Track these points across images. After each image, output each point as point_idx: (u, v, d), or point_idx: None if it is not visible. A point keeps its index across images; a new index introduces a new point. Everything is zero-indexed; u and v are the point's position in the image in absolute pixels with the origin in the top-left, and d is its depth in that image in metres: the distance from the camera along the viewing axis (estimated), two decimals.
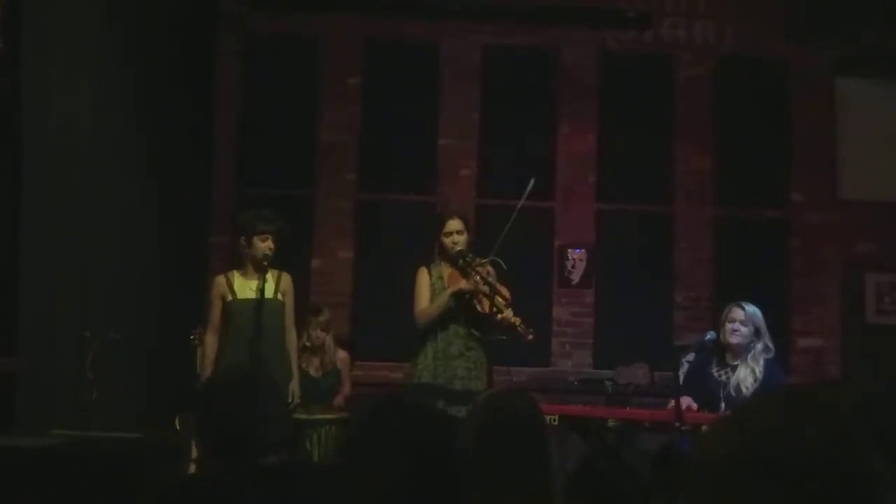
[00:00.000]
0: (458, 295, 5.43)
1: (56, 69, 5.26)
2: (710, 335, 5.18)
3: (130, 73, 6.18)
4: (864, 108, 8.42)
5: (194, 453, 5.61)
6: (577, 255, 8.26)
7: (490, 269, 5.53)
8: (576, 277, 8.26)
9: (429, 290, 5.53)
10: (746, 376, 5.09)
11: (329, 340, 6.71)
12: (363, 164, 8.34)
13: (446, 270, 5.58)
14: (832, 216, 8.35)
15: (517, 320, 5.30)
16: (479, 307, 5.41)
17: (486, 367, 5.47)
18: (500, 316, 5.33)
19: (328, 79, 8.38)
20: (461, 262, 5.49)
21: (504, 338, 5.46)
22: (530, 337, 5.30)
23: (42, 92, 5.10)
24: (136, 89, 6.26)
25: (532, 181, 5.61)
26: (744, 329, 5.13)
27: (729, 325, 5.16)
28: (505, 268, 5.55)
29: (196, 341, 5.70)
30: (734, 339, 5.14)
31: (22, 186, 4.90)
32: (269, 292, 5.53)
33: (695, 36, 8.50)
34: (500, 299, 5.37)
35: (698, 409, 4.98)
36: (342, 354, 6.85)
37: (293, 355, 5.77)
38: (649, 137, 8.34)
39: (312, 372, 6.56)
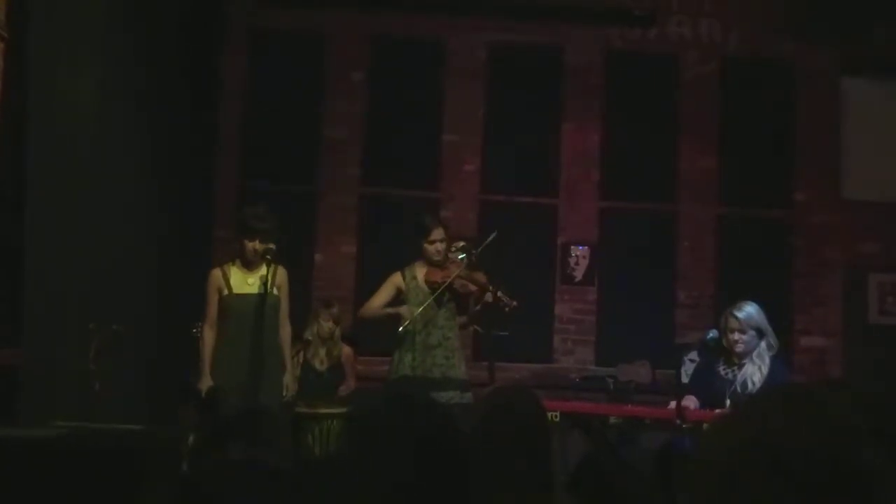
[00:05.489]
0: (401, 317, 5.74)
1: (62, 63, 5.26)
2: (711, 334, 5.16)
3: (136, 67, 6.18)
4: (869, 108, 8.42)
5: None
6: (580, 253, 8.26)
7: (461, 256, 5.75)
8: (578, 275, 8.26)
9: (389, 296, 5.86)
10: (753, 373, 5.06)
11: (338, 332, 6.72)
12: (367, 160, 8.34)
13: (420, 270, 5.82)
14: (836, 216, 8.35)
15: (497, 293, 5.56)
16: (460, 296, 5.72)
17: (462, 356, 5.82)
18: (487, 296, 5.60)
19: (333, 74, 8.38)
20: (462, 255, 5.74)
21: (507, 333, 5.51)
22: (515, 303, 5.54)
23: (48, 85, 5.10)
24: (141, 84, 6.26)
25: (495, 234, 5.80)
26: (744, 336, 5.07)
27: (730, 336, 5.10)
28: (474, 253, 5.73)
29: (197, 334, 5.71)
30: (738, 349, 5.07)
31: (27, 179, 4.91)
32: (263, 287, 5.53)
33: (700, 35, 8.49)
34: (478, 281, 5.64)
35: (705, 408, 4.96)
36: (346, 350, 6.85)
37: (287, 348, 5.77)
38: (653, 136, 8.34)
39: (317, 365, 6.56)
